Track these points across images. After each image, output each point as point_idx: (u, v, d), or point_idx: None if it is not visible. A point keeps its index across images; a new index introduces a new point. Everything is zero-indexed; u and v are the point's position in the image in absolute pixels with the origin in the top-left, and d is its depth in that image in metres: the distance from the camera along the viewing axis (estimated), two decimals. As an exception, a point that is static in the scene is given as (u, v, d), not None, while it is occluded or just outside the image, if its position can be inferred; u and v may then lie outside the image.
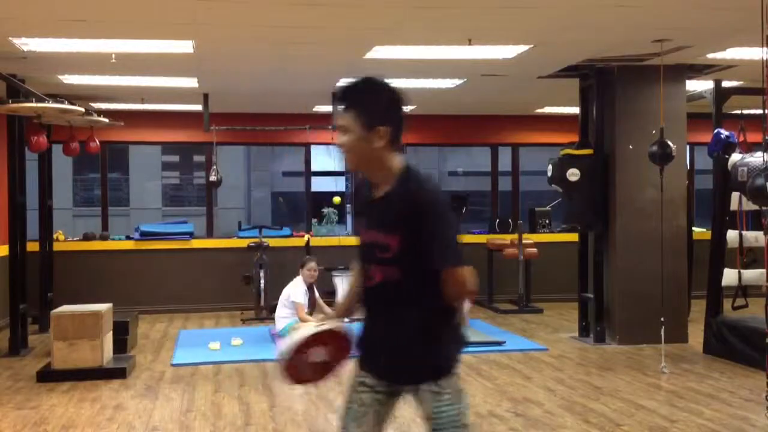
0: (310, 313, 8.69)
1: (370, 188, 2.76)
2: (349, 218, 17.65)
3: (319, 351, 2.74)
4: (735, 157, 7.07)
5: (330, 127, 9.77)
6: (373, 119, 2.66)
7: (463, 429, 2.65)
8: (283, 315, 8.57)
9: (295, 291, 8.60)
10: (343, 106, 2.70)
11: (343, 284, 10.20)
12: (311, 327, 2.76)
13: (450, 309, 2.69)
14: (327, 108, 9.99)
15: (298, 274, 8.79)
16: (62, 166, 15.75)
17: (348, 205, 12.62)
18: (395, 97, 2.77)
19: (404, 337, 2.67)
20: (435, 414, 2.63)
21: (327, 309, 8.95)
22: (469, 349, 7.73)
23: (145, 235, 11.00)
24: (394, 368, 2.70)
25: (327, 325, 2.78)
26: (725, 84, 8.46)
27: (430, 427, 2.65)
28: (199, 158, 24.33)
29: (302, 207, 12.76)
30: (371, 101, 2.71)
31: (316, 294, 8.89)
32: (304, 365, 2.74)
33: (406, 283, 2.65)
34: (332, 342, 2.76)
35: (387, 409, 2.77)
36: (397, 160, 2.70)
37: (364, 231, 2.77)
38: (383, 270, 2.67)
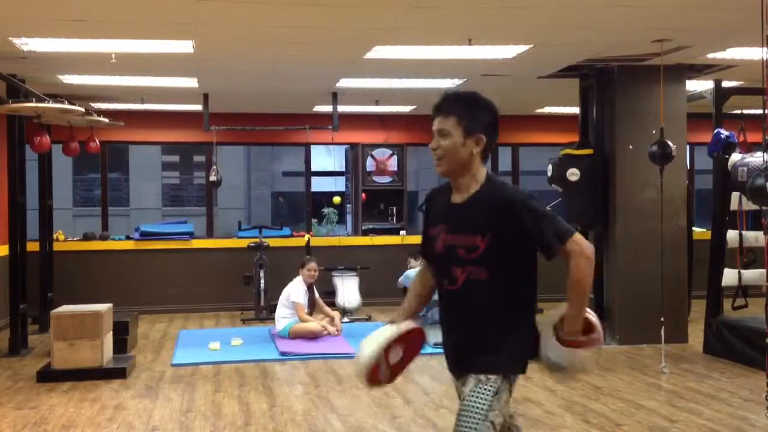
0: (310, 313, 8.70)
1: (449, 194, 2.90)
2: (348, 218, 17.62)
3: (398, 351, 2.84)
4: (735, 157, 7.08)
5: (329, 127, 9.79)
6: (474, 126, 2.81)
7: (485, 422, 2.72)
8: (283, 315, 8.58)
9: (295, 291, 8.61)
10: (445, 112, 2.84)
11: (343, 284, 10.21)
12: (393, 328, 2.85)
13: (528, 311, 2.89)
14: (327, 108, 9.99)
15: (298, 274, 8.80)
16: (62, 166, 15.78)
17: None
18: (496, 115, 2.90)
19: (486, 333, 2.81)
20: (466, 397, 2.76)
21: (327, 309, 8.97)
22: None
23: (145, 235, 11.00)
24: (468, 357, 2.83)
25: (407, 325, 2.88)
26: (725, 84, 8.46)
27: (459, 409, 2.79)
28: (199, 158, 24.33)
29: (302, 207, 12.76)
30: (475, 110, 2.86)
31: (316, 294, 8.90)
32: (386, 367, 2.83)
33: (491, 283, 2.77)
34: (409, 341, 2.89)
35: None
36: (483, 170, 2.87)
37: (445, 235, 2.84)
38: (467, 270, 2.78)
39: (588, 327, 2.86)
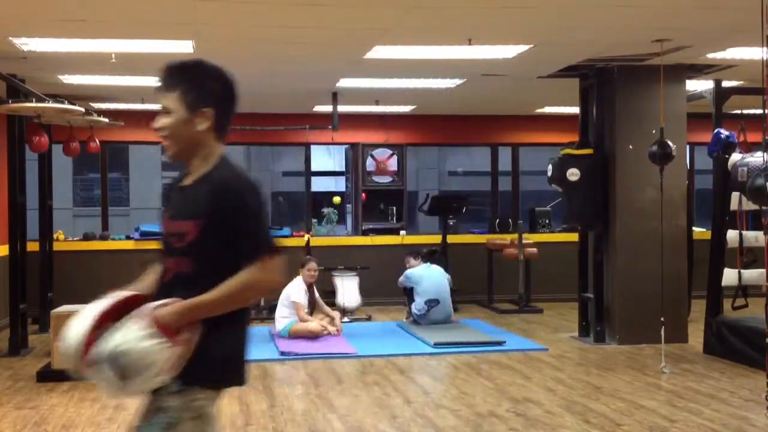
0: (310, 313, 8.70)
1: (182, 177, 2.61)
2: (348, 218, 17.64)
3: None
4: (735, 157, 7.08)
5: (329, 126, 9.79)
6: (198, 100, 2.50)
7: None
8: (282, 315, 8.58)
9: (295, 291, 8.61)
10: (165, 85, 2.54)
11: (343, 284, 10.20)
12: (103, 301, 2.50)
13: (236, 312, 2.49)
14: (327, 108, 9.99)
15: (297, 274, 8.80)
16: (62, 166, 15.77)
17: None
18: (226, 82, 2.59)
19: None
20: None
21: (327, 308, 8.97)
22: (469, 349, 7.79)
23: (145, 235, 10.99)
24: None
25: (121, 294, 2.53)
26: (725, 84, 8.46)
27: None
28: (199, 158, 24.29)
29: (302, 207, 12.76)
30: (198, 81, 2.54)
31: (316, 294, 8.90)
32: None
33: (196, 277, 2.44)
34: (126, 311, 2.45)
35: None
36: (218, 150, 2.56)
37: (166, 221, 2.59)
38: (178, 263, 2.48)
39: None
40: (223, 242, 2.42)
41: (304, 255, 10.25)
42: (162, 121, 2.52)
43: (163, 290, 2.49)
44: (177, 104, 2.50)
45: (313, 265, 8.85)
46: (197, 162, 2.54)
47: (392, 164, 11.70)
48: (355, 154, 11.99)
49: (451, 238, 11.16)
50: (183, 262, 2.46)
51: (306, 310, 8.61)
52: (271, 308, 9.91)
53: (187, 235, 2.44)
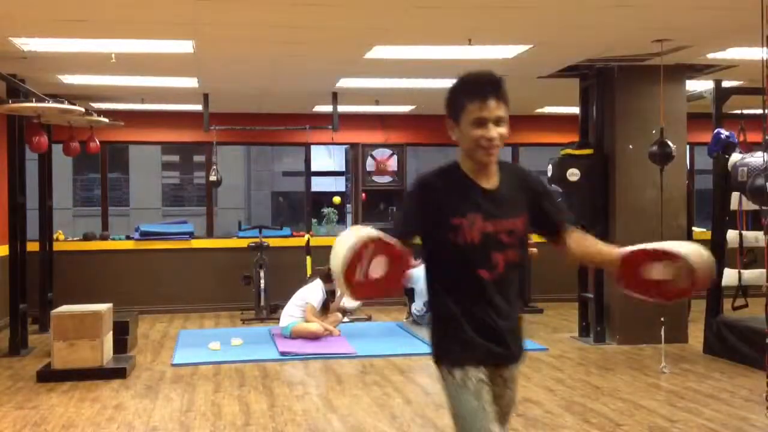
0: (320, 315, 8.71)
1: (464, 181, 2.74)
2: (348, 218, 17.63)
3: (381, 262, 2.53)
4: (735, 157, 7.08)
5: (329, 126, 9.78)
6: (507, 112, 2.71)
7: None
8: (291, 313, 8.61)
9: (312, 294, 8.65)
10: (499, 96, 2.66)
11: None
12: (359, 231, 2.53)
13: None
14: (327, 108, 9.99)
15: (312, 276, 8.83)
16: (62, 166, 15.76)
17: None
18: None
19: (518, 319, 2.80)
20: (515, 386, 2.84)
21: (338, 314, 9.00)
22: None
23: (145, 235, 11.00)
24: (518, 348, 2.79)
25: (378, 233, 2.54)
26: (725, 84, 8.45)
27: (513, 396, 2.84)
28: (199, 158, 24.32)
29: (302, 207, 12.77)
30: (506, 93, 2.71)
31: (335, 298, 8.95)
32: (361, 268, 2.52)
33: (522, 262, 2.78)
34: (393, 259, 2.57)
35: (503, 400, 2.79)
36: None
37: (482, 222, 2.67)
38: (507, 255, 2.70)
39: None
40: (549, 220, 2.86)
41: (303, 255, 10.28)
42: (500, 131, 2.67)
43: (493, 285, 2.69)
44: (506, 114, 2.68)
45: None
46: (492, 166, 2.74)
47: (392, 164, 11.70)
48: (355, 154, 11.99)
49: (451, 238, 11.14)
50: (513, 254, 2.71)
51: (317, 311, 8.66)
52: (272, 308, 9.95)
53: (518, 230, 2.72)
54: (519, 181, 2.79)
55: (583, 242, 2.92)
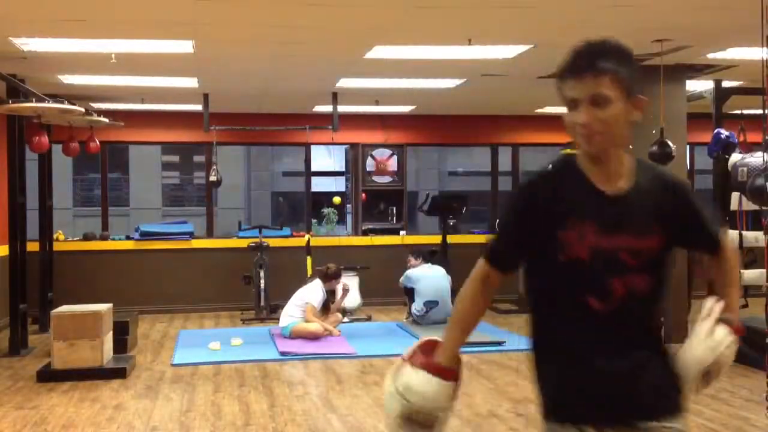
0: (321, 315, 8.71)
1: (582, 183, 2.11)
2: (348, 218, 17.63)
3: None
4: (735, 157, 7.07)
5: (329, 127, 9.78)
6: (634, 84, 2.06)
7: None
8: (291, 313, 8.61)
9: (312, 294, 8.66)
10: (597, 68, 2.05)
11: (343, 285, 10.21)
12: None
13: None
14: (327, 108, 9.99)
15: (311, 276, 8.85)
16: (62, 166, 15.77)
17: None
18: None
19: (661, 360, 2.22)
20: None
21: (338, 315, 9.01)
22: (469, 349, 7.78)
23: (145, 235, 11.00)
24: (658, 397, 2.13)
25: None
26: (725, 84, 8.46)
27: None
28: (199, 158, 24.33)
29: (302, 207, 12.77)
30: (630, 62, 2.10)
31: (336, 298, 8.99)
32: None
33: (655, 294, 2.13)
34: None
35: None
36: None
37: (596, 237, 2.05)
38: (630, 282, 2.07)
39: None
40: (671, 250, 2.15)
41: (303, 255, 10.27)
42: (600, 114, 2.03)
43: (610, 318, 2.06)
44: (613, 90, 2.03)
45: (346, 284, 9.07)
46: (614, 163, 2.13)
47: (392, 164, 11.70)
48: (355, 154, 12.00)
49: (451, 238, 11.15)
50: (639, 280, 2.08)
51: (318, 311, 8.66)
52: (272, 308, 9.95)
53: (649, 249, 2.08)
54: (661, 188, 2.15)
55: (719, 274, 2.39)
